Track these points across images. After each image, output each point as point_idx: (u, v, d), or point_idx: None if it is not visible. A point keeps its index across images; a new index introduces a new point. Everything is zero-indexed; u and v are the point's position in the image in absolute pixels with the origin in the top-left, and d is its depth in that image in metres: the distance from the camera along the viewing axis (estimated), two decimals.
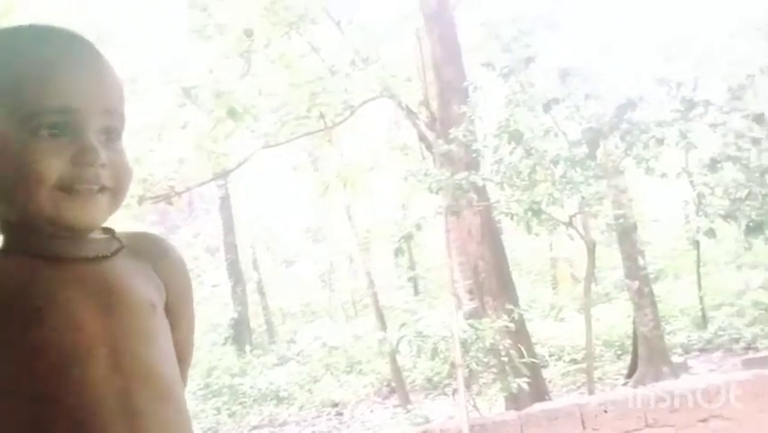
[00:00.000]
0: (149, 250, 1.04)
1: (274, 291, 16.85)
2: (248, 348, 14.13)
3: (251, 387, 11.59)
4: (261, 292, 16.32)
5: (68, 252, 0.94)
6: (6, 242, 0.96)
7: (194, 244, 15.74)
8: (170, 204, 7.40)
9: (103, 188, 0.94)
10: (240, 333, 14.85)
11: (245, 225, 16.61)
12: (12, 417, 0.87)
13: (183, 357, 1.08)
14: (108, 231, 1.01)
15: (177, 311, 1.05)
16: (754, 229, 6.38)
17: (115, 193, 0.96)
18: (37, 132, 0.90)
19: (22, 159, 0.90)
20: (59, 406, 0.87)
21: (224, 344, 14.40)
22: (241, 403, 11.21)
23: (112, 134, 0.96)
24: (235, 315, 14.79)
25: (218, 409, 10.65)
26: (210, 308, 14.54)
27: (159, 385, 0.95)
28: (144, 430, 0.91)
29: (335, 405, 10.86)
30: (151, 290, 1.01)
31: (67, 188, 0.91)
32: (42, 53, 0.93)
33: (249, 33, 6.83)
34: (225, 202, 15.43)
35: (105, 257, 0.97)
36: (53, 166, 0.90)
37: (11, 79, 0.92)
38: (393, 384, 10.29)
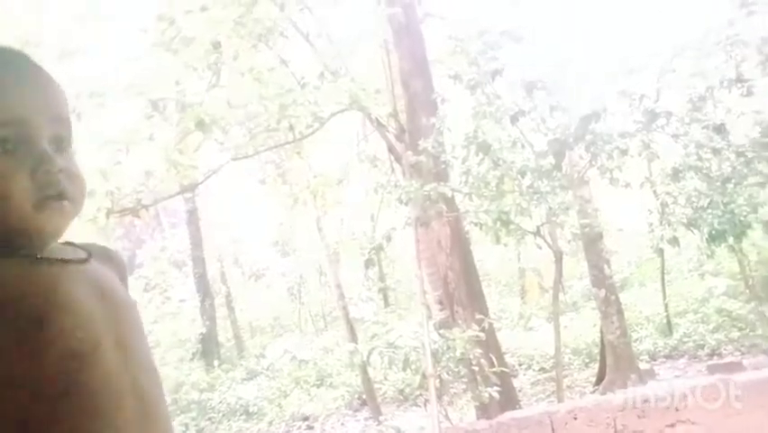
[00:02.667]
0: (106, 258, 1.07)
1: (243, 305, 16.72)
2: (216, 363, 13.99)
3: (220, 402, 11.48)
4: (230, 306, 16.17)
5: (55, 254, 0.95)
6: None
7: (160, 258, 15.55)
8: (138, 217, 7.32)
9: (64, 196, 0.94)
10: (208, 348, 14.69)
11: (213, 239, 16.47)
12: (30, 409, 0.87)
13: None
14: (69, 243, 1.02)
15: None
16: (716, 237, 6.53)
17: (74, 200, 0.96)
18: None
19: None
20: (79, 395, 0.88)
21: (192, 359, 14.23)
22: (209, 419, 11.08)
23: (62, 143, 0.97)
24: (203, 329, 14.63)
25: (186, 426, 10.52)
26: (178, 323, 14.37)
27: (156, 376, 1.00)
28: (152, 416, 0.95)
29: (306, 419, 10.79)
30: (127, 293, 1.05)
31: (34, 202, 0.91)
32: None
33: (217, 46, 6.81)
34: (193, 215, 15.28)
35: (85, 261, 0.99)
36: (16, 182, 0.90)
37: None
38: (364, 396, 10.27)
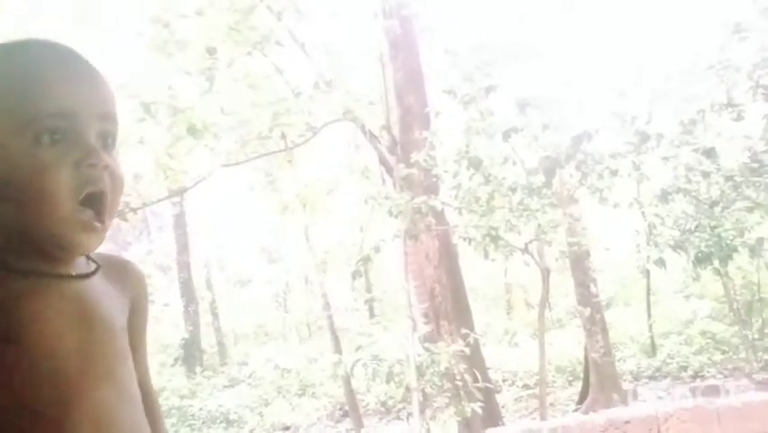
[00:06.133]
0: (119, 273, 1.05)
1: (227, 312, 16.63)
2: (198, 369, 13.89)
3: (201, 409, 11.39)
4: (214, 313, 16.09)
5: (50, 268, 0.93)
6: None
7: (146, 262, 15.43)
8: (125, 220, 7.26)
9: (104, 198, 0.94)
10: (190, 354, 14.59)
11: (199, 244, 16.40)
12: None
13: (148, 389, 1.10)
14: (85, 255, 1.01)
15: (137, 334, 1.06)
16: (702, 260, 6.57)
17: (112, 205, 0.96)
18: (39, 138, 0.90)
19: (26, 168, 0.89)
20: (40, 419, 0.87)
21: (174, 364, 14.13)
22: (189, 426, 10.98)
23: (108, 139, 0.97)
24: (186, 335, 14.54)
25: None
26: (161, 328, 14.26)
27: (133, 402, 0.97)
28: None
29: (287, 429, 10.73)
30: (122, 313, 1.02)
31: (77, 199, 0.90)
32: (39, 62, 0.94)
33: (212, 51, 6.81)
34: (180, 220, 15.22)
35: (85, 276, 0.97)
36: (60, 174, 0.89)
37: (8, 88, 0.92)
38: (346, 408, 10.21)
